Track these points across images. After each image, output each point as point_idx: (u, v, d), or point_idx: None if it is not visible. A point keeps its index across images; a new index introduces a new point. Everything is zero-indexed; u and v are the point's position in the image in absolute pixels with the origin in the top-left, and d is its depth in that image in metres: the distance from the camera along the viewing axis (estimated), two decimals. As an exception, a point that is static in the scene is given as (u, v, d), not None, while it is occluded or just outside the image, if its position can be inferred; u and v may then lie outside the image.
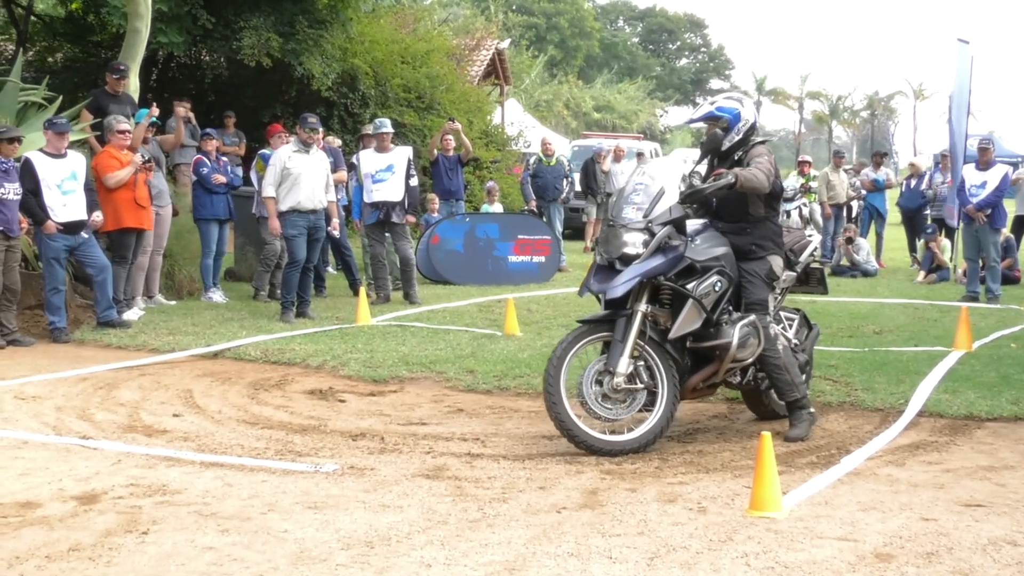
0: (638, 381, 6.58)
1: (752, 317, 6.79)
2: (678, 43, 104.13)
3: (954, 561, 4.65)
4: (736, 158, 7.01)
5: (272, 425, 7.23)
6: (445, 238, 15.58)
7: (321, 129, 12.62)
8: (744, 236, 6.98)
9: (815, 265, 7.64)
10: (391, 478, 5.94)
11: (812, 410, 7.05)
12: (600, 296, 6.79)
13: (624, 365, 6.52)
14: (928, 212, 19.06)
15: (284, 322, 11.38)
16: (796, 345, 7.34)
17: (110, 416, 7.44)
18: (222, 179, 13.18)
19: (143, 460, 6.29)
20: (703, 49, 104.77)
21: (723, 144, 7.07)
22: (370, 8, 21.33)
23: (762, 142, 7.13)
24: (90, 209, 10.65)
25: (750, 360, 6.85)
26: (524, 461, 6.33)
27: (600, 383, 6.56)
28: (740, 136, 7.04)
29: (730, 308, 6.85)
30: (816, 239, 7.60)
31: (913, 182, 19.50)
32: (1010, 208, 16.19)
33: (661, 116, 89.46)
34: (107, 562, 4.58)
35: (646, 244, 6.61)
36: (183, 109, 14.61)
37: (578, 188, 20.93)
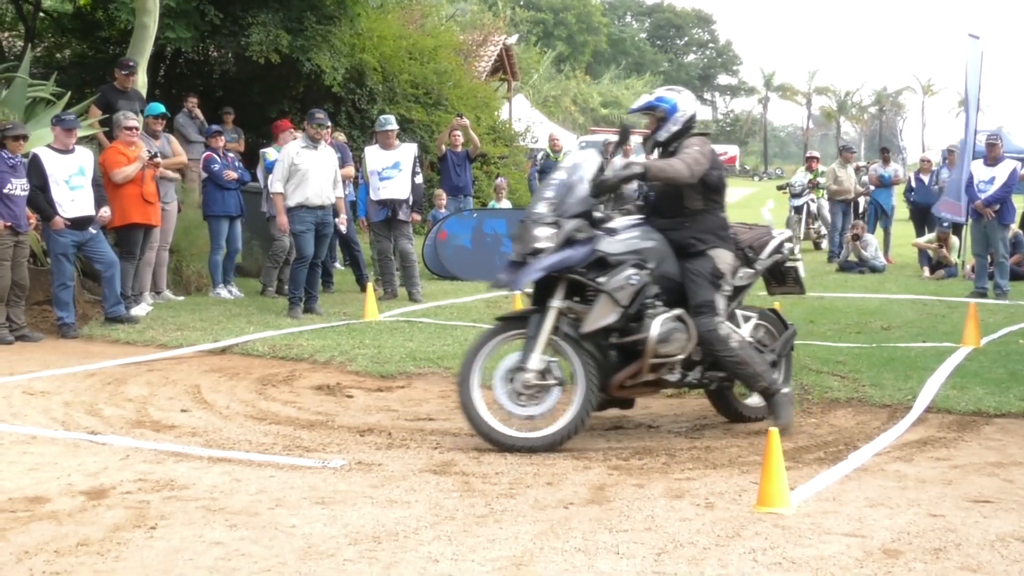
0: (551, 377, 6.53)
1: (677, 311, 6.67)
2: (686, 39, 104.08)
3: (962, 557, 4.64)
4: (671, 150, 6.95)
5: (280, 421, 7.24)
6: (453, 234, 15.59)
7: (329, 125, 12.62)
8: (682, 231, 6.87)
9: (790, 264, 7.48)
10: (398, 473, 5.95)
11: (787, 390, 6.93)
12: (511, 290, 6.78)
13: (534, 361, 6.48)
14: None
15: (292, 318, 11.40)
16: (754, 343, 7.14)
17: (118, 411, 7.46)
18: (234, 175, 13.20)
19: (151, 455, 6.30)
20: (711, 45, 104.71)
21: (660, 136, 7.05)
22: (378, 4, 21.32)
23: (702, 134, 7.06)
24: (98, 205, 10.67)
25: (680, 356, 6.69)
26: (531, 456, 6.32)
27: (512, 380, 6.52)
28: (678, 127, 6.98)
29: (656, 303, 6.67)
30: (781, 235, 7.39)
31: (925, 178, 19.45)
32: (1019, 204, 16.14)
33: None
34: (115, 557, 4.59)
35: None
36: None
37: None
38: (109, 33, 17.62)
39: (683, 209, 6.90)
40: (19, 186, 10.13)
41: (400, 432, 6.92)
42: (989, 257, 14.47)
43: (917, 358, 9.19)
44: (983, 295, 13.96)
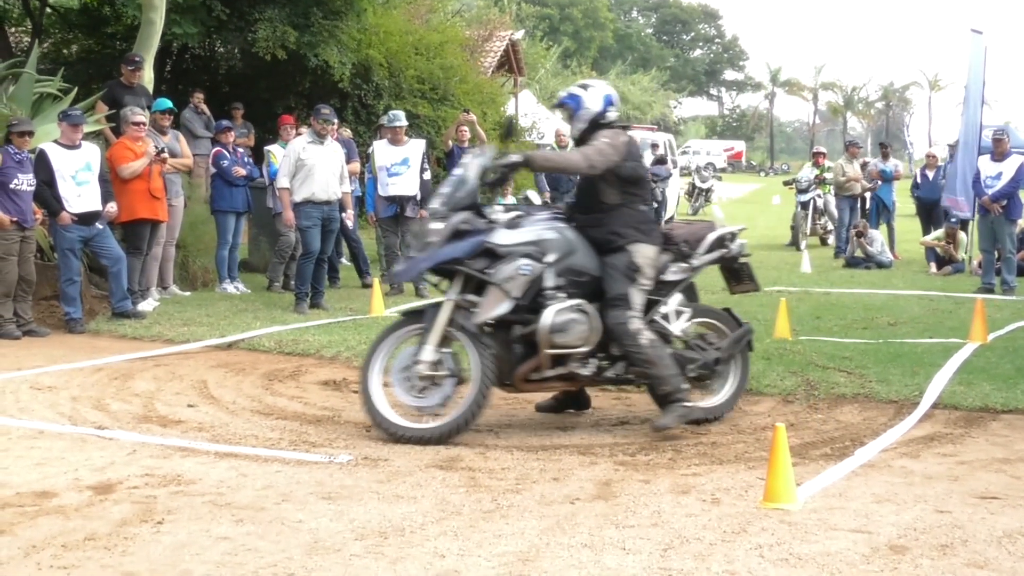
0: (443, 369, 6.61)
1: (577, 302, 6.66)
2: (692, 34, 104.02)
3: (969, 554, 4.64)
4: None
5: (286, 416, 7.24)
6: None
7: (335, 120, 12.62)
8: (600, 227, 6.87)
9: (743, 260, 7.43)
10: (405, 469, 5.95)
11: (688, 403, 6.81)
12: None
13: (427, 353, 6.57)
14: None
15: (298, 313, 11.41)
16: (682, 339, 7.08)
17: (125, 406, 7.47)
18: (242, 171, 13.22)
19: (158, 450, 6.31)
20: (717, 40, 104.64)
21: (573, 132, 7.09)
22: (383, -1, 21.35)
23: (620, 127, 7.01)
24: (105, 200, 10.69)
25: (582, 348, 6.69)
26: (538, 452, 6.33)
27: (408, 372, 6.63)
28: (583, 125, 6.96)
29: (559, 294, 6.68)
30: (721, 231, 7.28)
31: (930, 173, 19.42)
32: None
33: (675, 107, 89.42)
34: (122, 551, 4.60)
35: None
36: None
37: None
38: (116, 29, 17.62)
39: (600, 204, 6.91)
40: (25, 181, 10.15)
41: (406, 427, 6.92)
42: (996, 253, 14.45)
43: (924, 354, 9.18)
44: (990, 291, 13.95)
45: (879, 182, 19.89)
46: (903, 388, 7.87)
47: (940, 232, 17.35)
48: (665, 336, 6.98)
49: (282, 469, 5.93)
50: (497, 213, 6.85)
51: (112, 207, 10.82)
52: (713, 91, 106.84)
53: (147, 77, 13.57)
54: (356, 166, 14.03)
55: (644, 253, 6.84)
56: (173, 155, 12.05)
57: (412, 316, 6.91)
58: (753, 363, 8.67)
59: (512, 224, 6.78)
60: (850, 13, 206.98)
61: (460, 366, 6.68)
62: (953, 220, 17.04)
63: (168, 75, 18.89)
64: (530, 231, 6.80)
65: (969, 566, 4.50)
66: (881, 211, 19.92)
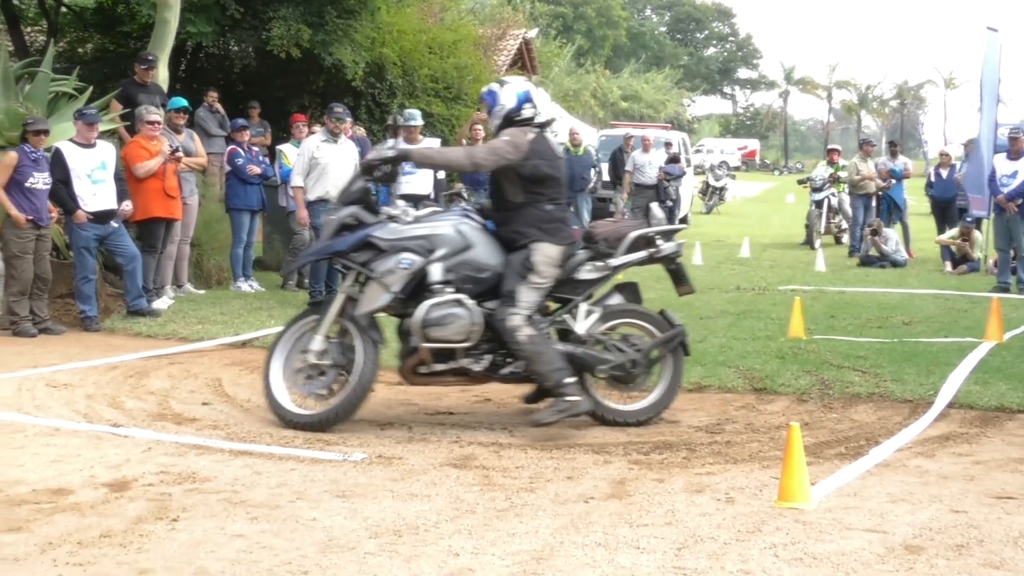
0: (327, 358, 6.89)
1: (454, 297, 6.74)
2: (706, 32, 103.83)
3: (985, 554, 4.63)
4: None
5: (300, 414, 7.25)
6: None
7: (349, 119, 12.64)
8: (507, 225, 6.95)
9: (677, 261, 7.32)
10: (419, 467, 5.96)
11: (573, 398, 6.74)
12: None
13: (315, 343, 6.88)
14: (959, 202, 18.91)
15: (312, 311, 11.40)
16: (594, 338, 7.01)
17: (140, 404, 7.49)
18: (257, 170, 13.25)
19: (173, 448, 6.33)
20: (731, 38, 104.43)
21: (491, 128, 7.22)
22: (397, -4, 21.34)
23: (537, 124, 7.05)
24: (120, 199, 10.72)
25: (463, 342, 6.78)
26: (552, 451, 6.33)
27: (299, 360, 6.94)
28: (498, 121, 7.05)
29: (447, 289, 6.77)
30: (641, 231, 7.18)
31: (944, 172, 19.36)
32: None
33: (689, 106, 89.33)
34: (138, 548, 4.62)
35: None
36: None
37: (606, 178, 20.88)
38: (130, 28, 17.65)
39: (506, 203, 6.99)
40: (41, 180, 10.19)
41: (420, 426, 6.94)
42: (1012, 251, 14.40)
43: (939, 353, 9.15)
44: (1006, 290, 13.90)
45: (892, 181, 19.83)
46: (918, 387, 7.85)
47: (955, 231, 17.30)
48: (566, 334, 7.00)
49: (296, 467, 5.95)
50: (396, 209, 7.00)
51: (127, 205, 10.85)
52: (727, 89, 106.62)
53: (162, 76, 13.60)
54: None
55: (544, 252, 6.85)
56: (187, 154, 12.07)
57: (314, 307, 7.15)
58: (768, 362, 8.70)
59: (413, 220, 6.94)
60: (865, 11, 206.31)
61: (348, 356, 6.88)
62: (969, 219, 16.98)
63: (183, 74, 18.92)
64: (423, 227, 6.92)
65: (985, 566, 4.48)
66: (892, 210, 19.87)
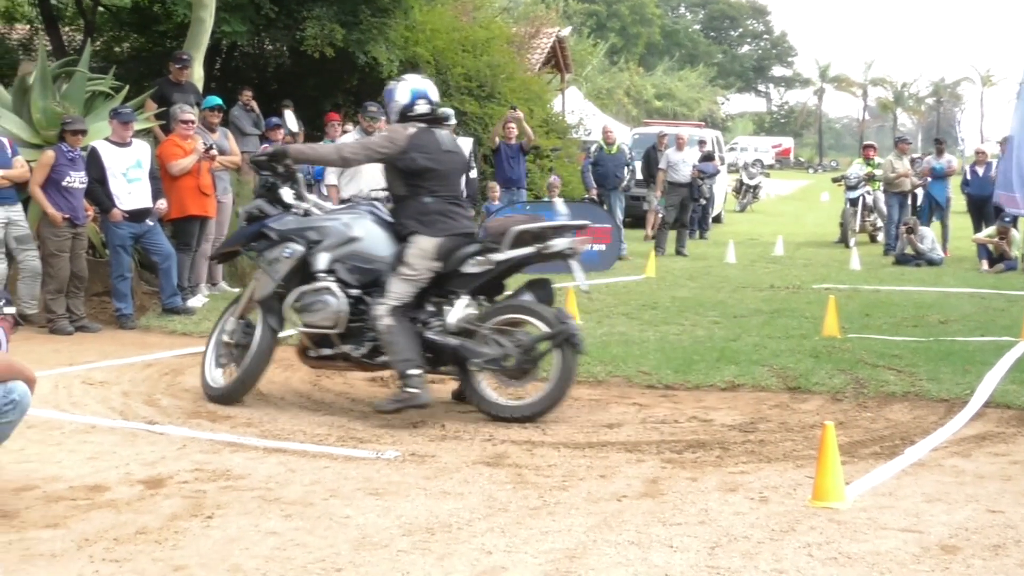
0: (236, 338, 7.50)
1: (324, 285, 7.11)
2: (740, 30, 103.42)
3: (1022, 554, 4.59)
4: None
5: (334, 411, 7.28)
6: (505, 226, 15.54)
7: (383, 118, 12.65)
8: (395, 218, 7.30)
9: (568, 261, 7.25)
10: (452, 465, 5.97)
11: (412, 391, 6.85)
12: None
13: (228, 324, 7.60)
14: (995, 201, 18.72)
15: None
16: (472, 331, 7.04)
17: (175, 402, 7.54)
18: (291, 168, 13.28)
19: (208, 445, 6.36)
20: (765, 36, 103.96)
21: (389, 122, 7.51)
22: (431, -4, 21.38)
23: (428, 120, 7.27)
24: (155, 197, 10.80)
25: (332, 328, 7.12)
26: (584, 449, 6.32)
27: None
28: (396, 116, 7.35)
29: (328, 277, 7.15)
30: (524, 226, 7.12)
31: (980, 169, 19.19)
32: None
33: (722, 103, 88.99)
34: (173, 545, 4.65)
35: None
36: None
37: (639, 176, 20.83)
38: (166, 27, 17.77)
39: (393, 196, 7.34)
40: (77, 179, 10.28)
41: (453, 424, 6.94)
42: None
43: (975, 352, 9.08)
44: (1043, 288, 13.76)
45: (928, 179, 19.67)
46: (954, 387, 7.79)
47: (992, 229, 17.15)
48: (428, 325, 7.11)
49: (330, 465, 5.97)
50: (308, 203, 7.49)
51: (162, 204, 10.92)
52: (761, 87, 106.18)
53: (197, 75, 13.69)
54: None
55: (418, 244, 7.05)
56: (222, 152, 12.12)
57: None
58: (801, 361, 8.66)
59: (319, 213, 7.43)
60: (900, 8, 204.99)
61: (250, 338, 7.43)
62: (1007, 219, 16.82)
63: (218, 73, 19.02)
64: (317, 219, 7.36)
65: (1022, 567, 4.45)
66: (934, 208, 19.71)
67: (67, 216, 10.19)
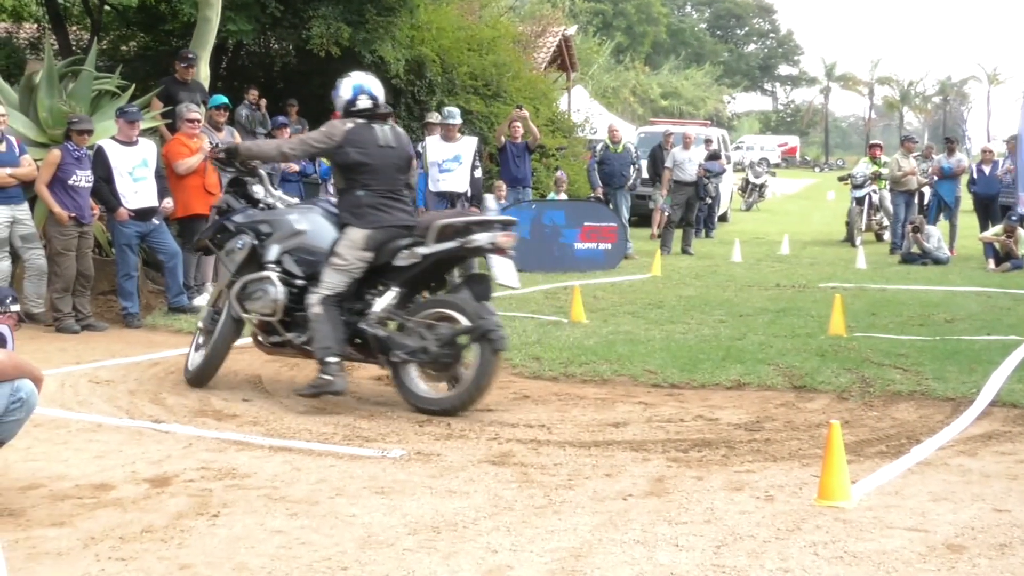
0: (208, 324, 7.98)
1: (265, 275, 7.47)
2: (746, 28, 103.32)
3: (1027, 553, 4.58)
4: None
5: (339, 410, 7.28)
6: (512, 225, 15.55)
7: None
8: (337, 210, 7.59)
9: (489, 256, 7.44)
10: (457, 464, 5.97)
11: (328, 377, 7.14)
12: None
13: (203, 311, 8.32)
14: (1002, 199, 18.68)
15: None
16: (398, 322, 7.30)
17: (181, 400, 7.55)
18: (295, 167, 13.31)
19: (213, 444, 6.37)
20: (771, 35, 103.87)
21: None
22: (437, -6, 21.37)
23: (368, 115, 7.51)
24: (161, 196, 10.81)
25: (271, 316, 7.48)
26: (590, 448, 6.32)
27: None
28: (341, 112, 7.64)
29: (276, 268, 7.51)
30: (445, 220, 7.31)
31: (987, 168, 19.15)
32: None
33: (729, 102, 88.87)
34: (179, 544, 4.65)
35: None
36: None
37: (645, 175, 20.82)
38: (173, 26, 17.78)
39: (335, 189, 7.76)
40: (84, 178, 10.29)
41: (459, 423, 6.94)
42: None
43: (981, 351, 9.07)
44: (1050, 287, 13.74)
45: (935, 177, 19.63)
46: (960, 385, 7.78)
47: (999, 228, 17.11)
48: (363, 316, 7.35)
49: (336, 463, 5.97)
50: (272, 198, 7.93)
51: (168, 203, 10.94)
52: (767, 86, 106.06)
53: (203, 74, 13.70)
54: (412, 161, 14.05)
55: (349, 236, 7.33)
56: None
57: None
58: (807, 359, 8.66)
59: (275, 207, 7.86)
60: (907, 6, 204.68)
61: (216, 326, 7.88)
62: (1013, 217, 16.79)
63: (224, 72, 19.02)
64: (271, 213, 7.80)
65: (1028, 566, 4.44)
66: (942, 208, 19.67)
67: (73, 215, 10.20)
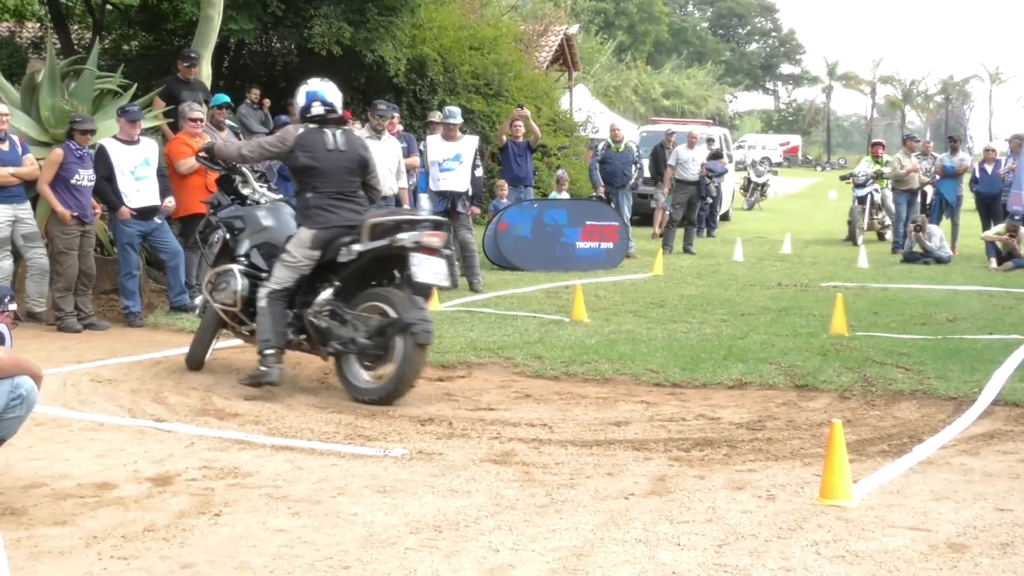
0: (201, 312, 8.62)
1: (230, 267, 7.98)
2: (748, 27, 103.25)
3: (1029, 552, 4.58)
4: None
5: (341, 409, 7.29)
6: (513, 224, 15.57)
7: (395, 114, 12.74)
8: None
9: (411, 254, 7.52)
10: (459, 463, 5.97)
11: (266, 369, 7.53)
12: None
13: (198, 299, 8.76)
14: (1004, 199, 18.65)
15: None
16: (322, 309, 7.64)
17: (183, 399, 7.55)
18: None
19: (215, 443, 6.37)
20: (773, 33, 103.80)
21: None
22: (438, -7, 21.38)
23: (319, 120, 7.82)
24: (163, 195, 10.81)
25: (234, 307, 7.93)
26: (592, 447, 6.32)
27: None
28: (299, 118, 7.97)
29: (244, 260, 8.04)
30: (375, 218, 7.58)
31: (989, 167, 19.12)
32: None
33: (730, 101, 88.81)
34: (181, 543, 4.66)
35: None
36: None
37: (647, 174, 20.81)
38: (175, 25, 17.81)
39: (295, 190, 8.01)
40: (86, 177, 10.29)
41: (461, 422, 6.95)
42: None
43: (984, 350, 9.06)
44: (1052, 287, 13.72)
45: (938, 176, 19.60)
46: (962, 385, 7.77)
47: (1001, 227, 17.09)
48: (333, 312, 7.64)
49: (337, 462, 5.98)
50: (259, 195, 8.35)
51: (170, 202, 10.94)
52: (769, 85, 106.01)
53: (205, 73, 13.70)
54: (416, 160, 14.06)
55: (298, 235, 7.73)
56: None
57: None
58: (809, 358, 8.66)
59: (260, 203, 8.32)
60: (909, 5, 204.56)
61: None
62: (1016, 217, 16.77)
63: (226, 71, 19.05)
64: (246, 209, 8.26)
65: (1030, 565, 4.44)
66: (944, 207, 19.65)
67: (76, 214, 10.20)
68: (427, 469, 5.85)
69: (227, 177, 8.44)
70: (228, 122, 14.57)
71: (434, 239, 7.49)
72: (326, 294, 7.66)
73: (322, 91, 7.89)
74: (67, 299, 10.25)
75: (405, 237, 7.41)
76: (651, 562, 4.47)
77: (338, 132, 7.87)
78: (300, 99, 7.89)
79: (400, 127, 15.17)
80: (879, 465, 5.87)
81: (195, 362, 8.51)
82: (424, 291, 7.63)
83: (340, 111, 8.00)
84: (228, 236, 8.21)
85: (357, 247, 7.53)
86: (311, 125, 7.79)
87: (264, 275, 7.83)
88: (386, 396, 7.36)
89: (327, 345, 7.58)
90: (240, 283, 7.88)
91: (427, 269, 7.47)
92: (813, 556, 4.53)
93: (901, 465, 5.86)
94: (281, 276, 7.67)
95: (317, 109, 7.83)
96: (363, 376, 7.56)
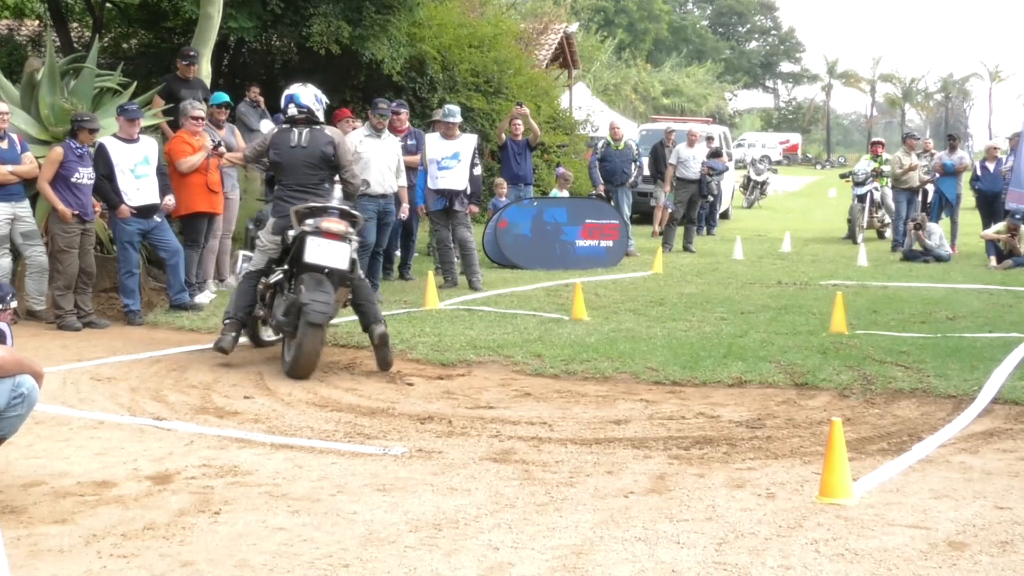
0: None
1: (244, 252, 9.16)
2: (748, 26, 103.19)
3: (1029, 550, 4.58)
4: None
5: (341, 408, 7.29)
6: (513, 222, 15.57)
7: (405, 110, 12.90)
8: None
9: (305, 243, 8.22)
10: (459, 461, 5.97)
11: (221, 335, 8.54)
12: None
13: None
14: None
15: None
16: (270, 286, 8.57)
17: (183, 397, 7.55)
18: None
19: (215, 441, 6.38)
20: (773, 32, 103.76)
21: None
22: (437, -9, 21.37)
23: (290, 122, 8.59)
24: (162, 193, 10.81)
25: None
26: (591, 445, 6.32)
27: None
28: (282, 118, 8.76)
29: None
30: (294, 208, 8.35)
31: (991, 165, 19.10)
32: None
33: (730, 100, 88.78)
34: (180, 541, 4.66)
35: None
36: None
37: (646, 172, 20.80)
38: (174, 23, 17.80)
39: None
40: (86, 175, 10.29)
41: (460, 420, 6.95)
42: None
43: (983, 348, 9.06)
44: (1051, 285, 13.72)
45: (937, 174, 19.59)
46: (962, 383, 7.77)
47: (1001, 225, 17.08)
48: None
49: (337, 461, 5.98)
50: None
51: (170, 200, 10.94)
52: (769, 83, 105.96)
53: (205, 71, 13.70)
54: (417, 158, 14.04)
55: (267, 224, 8.68)
56: (229, 149, 12.14)
57: None
58: (809, 357, 8.67)
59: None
60: (908, 3, 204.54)
61: None
62: (1016, 216, 16.76)
63: (225, 69, 19.04)
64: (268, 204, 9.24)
65: (1029, 563, 4.44)
66: (943, 205, 19.64)
67: (76, 212, 10.21)
68: (427, 467, 5.85)
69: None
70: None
71: (333, 224, 8.15)
72: (275, 276, 8.52)
73: (298, 94, 8.64)
74: (67, 297, 10.25)
75: (310, 223, 8.15)
76: (651, 560, 4.47)
77: (305, 130, 8.54)
78: (281, 102, 8.70)
79: (409, 124, 15.19)
80: (879, 463, 5.87)
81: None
82: (319, 272, 8.12)
83: (318, 112, 8.61)
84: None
85: (291, 232, 8.30)
86: (284, 125, 8.62)
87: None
88: (289, 371, 8.13)
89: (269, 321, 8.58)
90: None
91: (320, 252, 8.10)
92: (813, 554, 4.53)
93: (901, 463, 5.86)
94: (256, 259, 8.74)
95: (291, 111, 8.61)
96: (288, 352, 8.30)
